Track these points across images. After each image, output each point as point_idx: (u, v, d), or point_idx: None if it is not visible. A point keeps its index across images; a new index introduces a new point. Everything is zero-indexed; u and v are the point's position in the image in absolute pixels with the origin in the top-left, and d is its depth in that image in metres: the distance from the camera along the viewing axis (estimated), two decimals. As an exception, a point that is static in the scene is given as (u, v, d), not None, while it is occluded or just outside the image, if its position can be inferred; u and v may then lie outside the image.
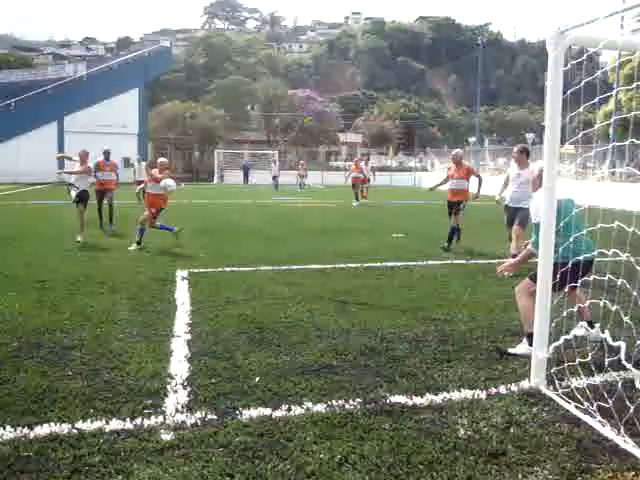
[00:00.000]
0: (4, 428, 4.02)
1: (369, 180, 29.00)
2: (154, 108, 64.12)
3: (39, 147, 47.00)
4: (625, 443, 3.90)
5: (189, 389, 4.80)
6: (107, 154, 16.14)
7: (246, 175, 51.86)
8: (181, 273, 9.58)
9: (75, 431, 4.01)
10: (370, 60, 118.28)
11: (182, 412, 4.36)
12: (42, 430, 4.01)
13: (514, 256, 8.51)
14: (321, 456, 3.73)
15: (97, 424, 4.12)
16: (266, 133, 75.92)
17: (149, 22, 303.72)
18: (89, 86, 53.06)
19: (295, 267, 10.32)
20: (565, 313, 4.78)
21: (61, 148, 49.68)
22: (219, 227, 16.53)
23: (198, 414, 4.32)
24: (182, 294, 8.16)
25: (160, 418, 4.25)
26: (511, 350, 5.82)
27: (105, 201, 15.85)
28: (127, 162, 53.97)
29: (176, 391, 4.75)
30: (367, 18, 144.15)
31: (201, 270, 9.97)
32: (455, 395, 4.76)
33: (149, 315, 7.04)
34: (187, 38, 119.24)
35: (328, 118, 74.00)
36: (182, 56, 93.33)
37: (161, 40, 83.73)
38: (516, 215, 10.57)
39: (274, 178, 41.79)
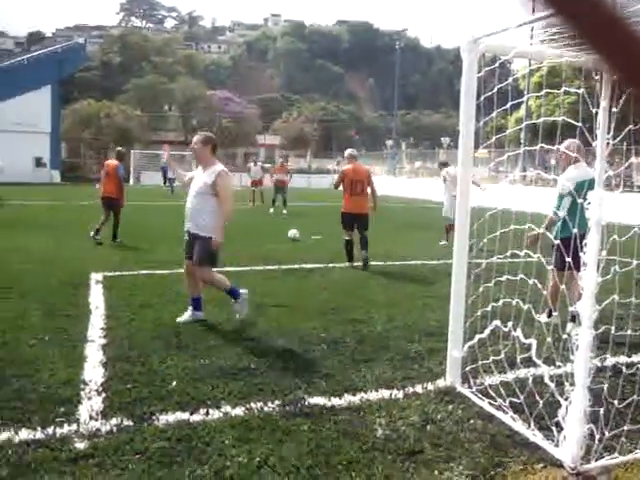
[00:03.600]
0: None
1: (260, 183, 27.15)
2: (67, 107, 62.15)
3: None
4: (534, 436, 4.04)
5: (104, 395, 4.67)
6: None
7: (165, 176, 50.78)
8: (95, 276, 9.32)
9: (-19, 442, 3.84)
10: (289, 62, 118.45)
11: (97, 419, 4.23)
12: (-55, 442, 3.82)
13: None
14: (240, 460, 3.70)
15: (5, 435, 3.95)
16: (184, 133, 74.88)
17: (62, 17, 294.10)
18: (-2, 82, 51.02)
19: (213, 269, 10.18)
20: (479, 312, 4.91)
21: (-34, 147, 47.49)
22: (135, 229, 16.19)
23: (113, 421, 4.21)
24: (96, 298, 7.95)
25: (74, 426, 4.12)
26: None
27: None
28: (39, 162, 52.38)
29: (90, 398, 4.62)
30: (286, 20, 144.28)
31: (116, 273, 9.74)
32: (373, 395, 4.82)
33: (62, 320, 6.81)
34: (102, 35, 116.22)
35: (247, 119, 73.67)
36: (97, 54, 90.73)
37: (75, 36, 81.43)
38: None
39: (169, 180, 37.58)
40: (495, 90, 4.81)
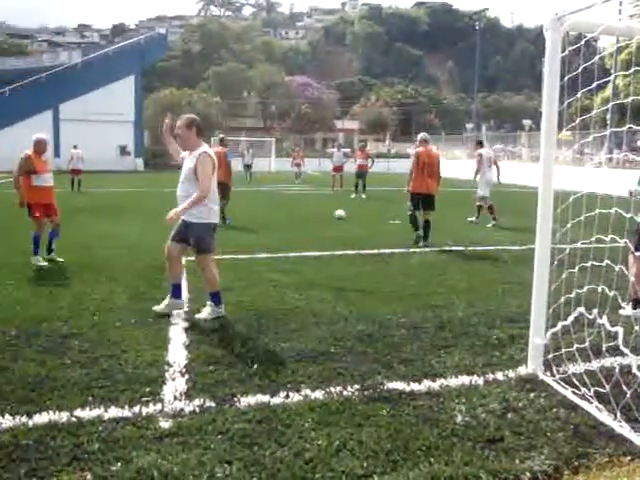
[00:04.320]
0: (3, 416, 4.03)
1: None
2: (150, 95, 63.76)
3: (35, 135, 46.67)
4: (621, 428, 3.92)
5: (187, 377, 4.80)
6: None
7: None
8: (178, 261, 9.55)
9: (74, 419, 4.02)
10: (367, 46, 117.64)
11: (180, 400, 4.36)
12: (41, 418, 4.02)
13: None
14: (319, 442, 3.74)
15: (95, 412, 4.12)
16: (263, 120, 75.75)
17: (144, 9, 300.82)
18: (84, 74, 52.66)
19: (292, 254, 10.32)
20: (563, 299, 4.79)
21: (56, 137, 49.43)
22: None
23: (196, 401, 4.32)
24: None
25: (158, 406, 4.26)
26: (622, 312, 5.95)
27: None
28: (123, 150, 54.01)
29: (174, 379, 4.76)
30: (364, 4, 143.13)
31: (198, 258, 9.94)
32: (453, 381, 4.78)
33: (147, 303, 7.02)
34: (183, 25, 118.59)
35: (325, 105, 73.78)
36: (178, 43, 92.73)
37: (156, 27, 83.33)
38: None
39: (247, 167, 36.79)
40: (580, 69, 4.66)
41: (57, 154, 46.64)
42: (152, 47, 60.50)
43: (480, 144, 16.58)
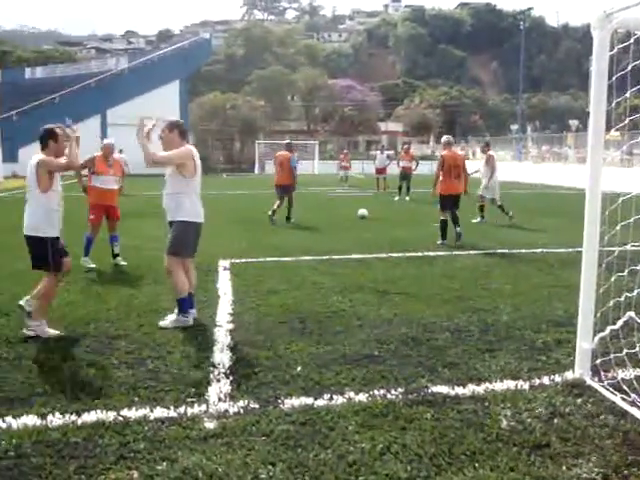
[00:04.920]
0: (53, 414, 4.13)
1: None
2: (195, 99, 64.56)
3: (83, 140, 47.69)
4: (673, 435, 3.82)
5: (231, 378, 4.85)
6: None
7: None
8: (223, 263, 9.66)
9: (121, 418, 4.09)
10: (410, 48, 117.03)
11: (225, 401, 4.40)
12: (89, 417, 4.10)
13: None
14: (363, 446, 3.73)
15: (142, 412, 4.19)
16: (306, 123, 75.94)
17: (189, 14, 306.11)
18: (131, 79, 53.81)
19: (336, 257, 10.33)
20: (611, 303, 4.70)
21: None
22: (261, 218, 16.61)
23: (241, 403, 4.36)
24: (224, 284, 8.24)
25: (203, 406, 4.31)
26: None
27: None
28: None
29: (219, 380, 4.81)
30: (407, 6, 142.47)
31: (243, 260, 10.04)
32: (498, 386, 4.72)
33: (192, 305, 7.12)
34: (227, 29, 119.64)
35: (368, 107, 73.63)
36: (222, 47, 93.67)
37: (201, 32, 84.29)
38: None
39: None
40: (629, 68, 4.56)
41: (104, 158, 47.27)
42: (196, 52, 61.33)
43: (488, 145, 16.85)
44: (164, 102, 53.29)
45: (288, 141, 16.43)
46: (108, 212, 9.73)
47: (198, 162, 6.47)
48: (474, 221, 15.17)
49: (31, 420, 4.05)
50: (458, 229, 11.96)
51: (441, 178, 12.01)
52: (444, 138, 12.53)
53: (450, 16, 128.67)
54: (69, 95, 50.41)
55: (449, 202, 12.06)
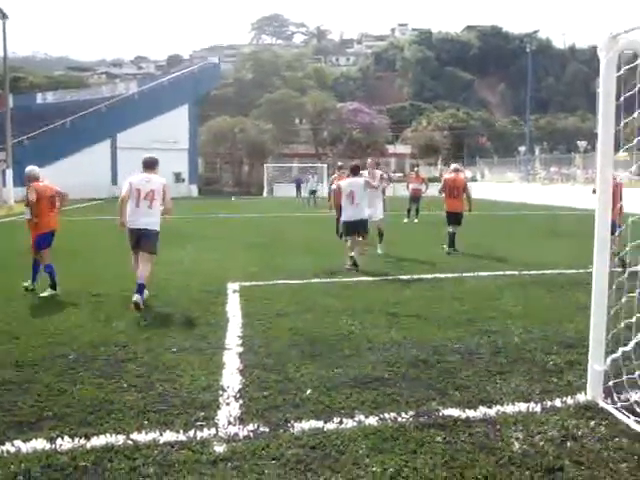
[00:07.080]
0: (62, 438, 4.11)
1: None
2: (204, 123, 65.03)
3: (94, 164, 48.29)
4: (688, 458, 3.78)
5: (241, 401, 4.83)
6: None
7: (298, 188, 51.21)
8: (232, 286, 9.66)
9: (130, 442, 4.07)
10: (417, 71, 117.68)
11: (234, 424, 4.38)
12: (98, 441, 4.09)
13: None
14: (373, 469, 3.70)
15: (151, 435, 4.18)
16: (315, 146, 76.21)
17: (198, 39, 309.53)
18: (140, 104, 54.38)
19: (345, 279, 10.32)
20: (623, 324, 4.66)
21: (114, 164, 50.97)
22: (269, 240, 16.63)
23: (250, 426, 4.34)
24: (233, 307, 8.23)
25: (213, 430, 4.29)
26: None
27: None
28: (178, 177, 55.14)
29: (228, 403, 4.79)
30: (414, 29, 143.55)
31: (252, 283, 10.04)
32: (509, 408, 4.68)
33: (201, 328, 7.12)
34: (235, 54, 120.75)
35: (376, 130, 73.86)
36: (231, 72, 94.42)
37: (209, 56, 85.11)
38: None
39: (312, 193, 36.86)
40: (637, 89, 4.57)
41: (114, 182, 47.98)
42: (205, 76, 61.95)
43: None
44: (174, 126, 54.02)
45: (340, 163, 17.32)
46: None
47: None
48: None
49: (40, 444, 4.04)
50: (451, 248, 13.74)
51: (444, 198, 14.45)
52: (452, 165, 15.16)
53: (457, 39, 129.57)
54: (79, 120, 50.98)
55: (451, 218, 14.21)
